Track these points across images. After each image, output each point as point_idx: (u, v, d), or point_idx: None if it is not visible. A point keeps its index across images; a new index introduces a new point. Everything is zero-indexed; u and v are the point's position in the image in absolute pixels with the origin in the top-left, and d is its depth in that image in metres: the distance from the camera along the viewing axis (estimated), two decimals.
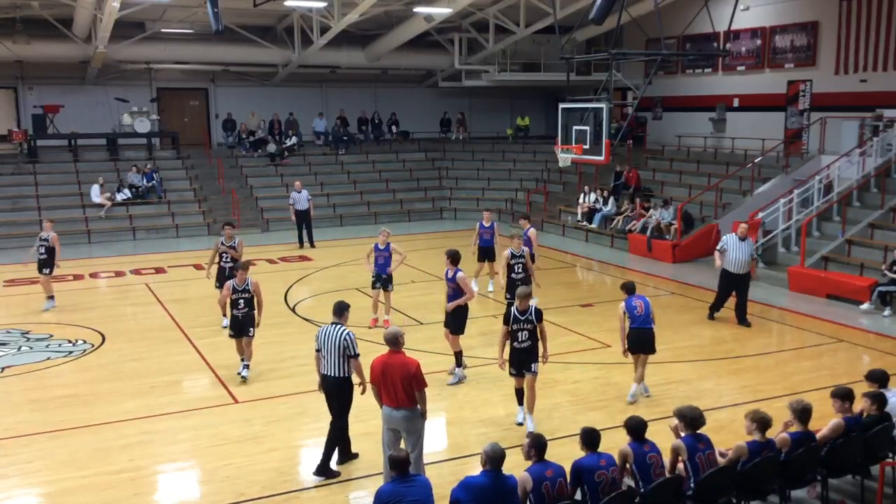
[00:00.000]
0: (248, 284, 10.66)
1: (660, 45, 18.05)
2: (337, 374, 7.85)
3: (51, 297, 14.78)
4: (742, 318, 13.34)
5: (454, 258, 10.81)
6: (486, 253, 15.59)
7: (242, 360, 10.80)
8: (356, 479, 7.96)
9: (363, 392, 7.87)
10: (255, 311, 10.74)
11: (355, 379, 7.95)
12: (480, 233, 15.50)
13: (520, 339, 8.85)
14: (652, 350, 9.87)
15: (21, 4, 22.24)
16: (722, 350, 12.15)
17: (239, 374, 10.70)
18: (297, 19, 24.85)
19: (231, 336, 10.90)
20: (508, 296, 12.13)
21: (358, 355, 7.83)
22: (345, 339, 7.77)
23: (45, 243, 14.67)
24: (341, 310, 8.05)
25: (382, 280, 13.02)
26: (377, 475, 7.66)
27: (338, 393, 7.94)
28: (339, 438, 8.07)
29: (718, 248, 13.50)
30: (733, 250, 13.19)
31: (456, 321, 10.69)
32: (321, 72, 28.68)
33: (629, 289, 10.11)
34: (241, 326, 10.70)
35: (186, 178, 25.33)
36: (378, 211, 25.36)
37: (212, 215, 23.73)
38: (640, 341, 9.78)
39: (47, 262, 14.68)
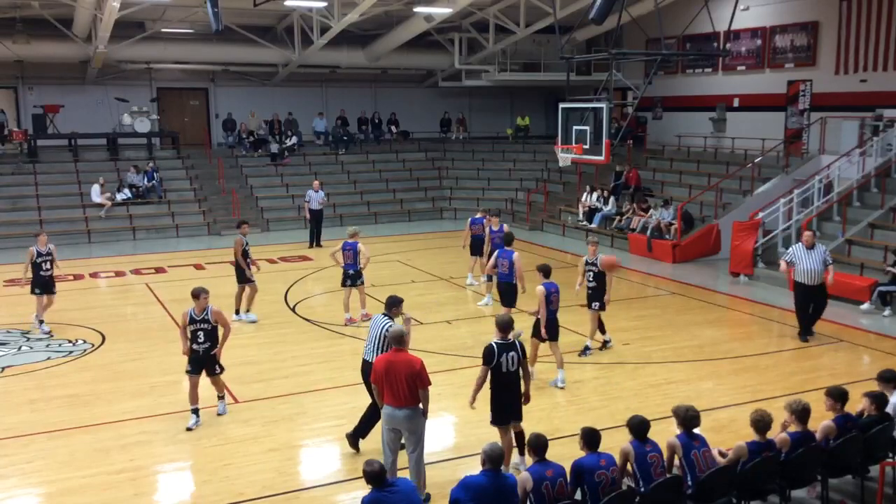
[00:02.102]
0: (207, 314, 9.16)
1: (660, 45, 18.04)
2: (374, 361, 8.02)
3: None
4: (807, 328, 12.66)
5: (508, 239, 12.61)
6: (477, 247, 16.02)
7: (219, 396, 9.57)
8: (357, 479, 7.93)
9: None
10: (219, 345, 9.33)
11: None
12: (470, 228, 16.04)
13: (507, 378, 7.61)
14: (558, 336, 10.34)
15: (21, 4, 22.24)
16: (722, 350, 12.15)
17: (219, 413, 9.47)
18: (297, 19, 24.86)
19: (189, 372, 9.25)
20: (596, 305, 11.67)
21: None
22: (386, 331, 7.91)
23: (49, 258, 13.25)
24: (391, 304, 8.30)
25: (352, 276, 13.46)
26: None
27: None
28: (369, 420, 8.38)
29: (786, 259, 12.74)
30: (802, 261, 12.40)
31: (511, 297, 12.11)
32: (321, 72, 28.70)
33: (547, 272, 10.37)
34: (202, 363, 9.23)
35: (186, 178, 25.33)
36: (378, 211, 25.37)
37: (212, 215, 23.74)
38: (554, 329, 10.26)
39: (53, 279, 13.44)
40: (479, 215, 16.24)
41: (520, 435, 7.88)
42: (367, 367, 8.09)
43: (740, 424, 8.70)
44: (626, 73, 25.54)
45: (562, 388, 10.30)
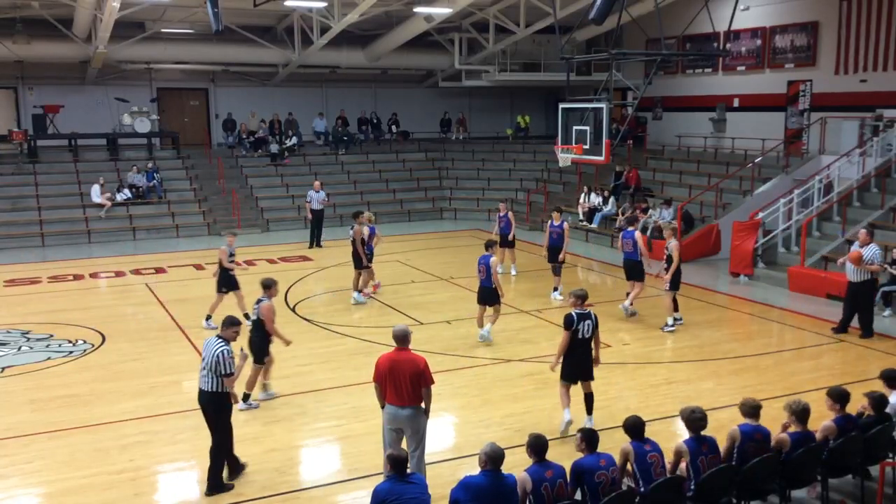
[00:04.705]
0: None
1: (660, 45, 18.04)
2: (211, 389, 7.58)
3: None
4: (863, 330, 12.59)
5: (630, 220, 14.46)
6: (505, 241, 16.80)
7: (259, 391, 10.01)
8: (357, 479, 7.95)
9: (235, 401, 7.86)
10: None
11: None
12: (499, 222, 16.91)
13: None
14: (494, 302, 12.13)
15: (21, 4, 22.24)
16: (722, 350, 12.15)
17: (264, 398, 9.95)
18: (297, 19, 24.86)
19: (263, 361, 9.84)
20: (667, 286, 13.15)
21: (231, 374, 7.52)
22: (218, 355, 7.49)
23: (234, 257, 13.41)
24: (225, 324, 7.81)
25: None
26: (378, 475, 7.64)
27: (212, 408, 7.67)
28: (222, 455, 7.80)
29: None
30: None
31: (636, 273, 13.68)
32: (321, 72, 28.69)
33: (486, 246, 12.49)
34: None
35: (186, 178, 25.34)
36: (378, 211, 25.21)
37: (212, 215, 23.75)
38: (484, 296, 12.14)
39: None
40: (502, 213, 17.23)
41: (589, 396, 8.94)
42: (202, 398, 7.65)
43: None
44: (626, 73, 25.55)
45: (487, 340, 12.17)
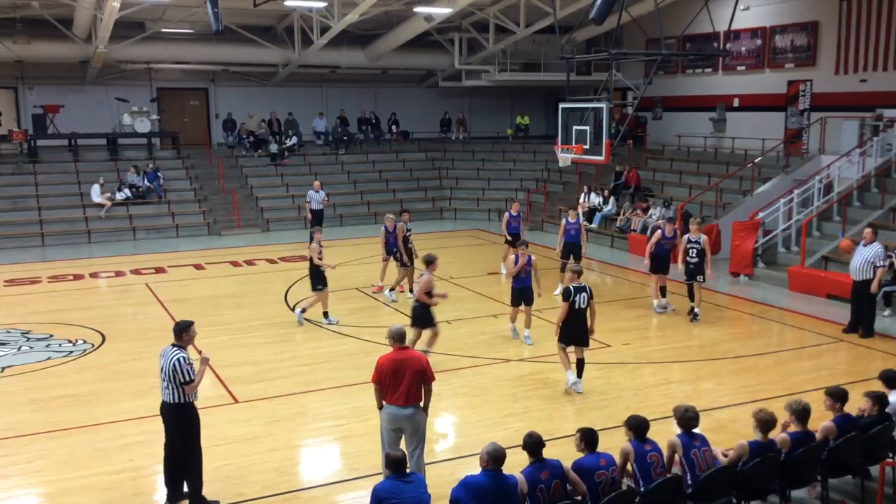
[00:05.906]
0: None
1: (660, 45, 18.03)
2: (173, 400, 7.33)
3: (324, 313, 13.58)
4: (864, 330, 12.60)
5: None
6: (514, 239, 16.56)
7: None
8: (356, 479, 7.95)
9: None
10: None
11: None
12: (509, 220, 16.74)
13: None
14: (529, 302, 12.31)
15: (21, 4, 22.24)
16: (722, 350, 12.15)
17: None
18: (297, 19, 24.86)
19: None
20: (687, 279, 13.66)
21: (191, 381, 7.24)
22: (174, 363, 7.19)
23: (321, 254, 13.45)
24: (176, 330, 7.49)
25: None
26: (377, 475, 7.63)
27: (176, 420, 7.40)
28: (194, 472, 7.47)
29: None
30: (854, 255, 12.70)
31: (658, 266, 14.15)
32: (321, 72, 28.69)
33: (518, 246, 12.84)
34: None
35: (186, 178, 25.34)
36: (378, 211, 25.25)
37: (212, 215, 23.75)
38: (523, 296, 12.24)
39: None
40: (514, 212, 16.83)
41: (580, 361, 10.10)
42: (164, 408, 7.39)
43: (740, 424, 8.71)
44: (626, 73, 25.56)
45: (530, 344, 12.20)
